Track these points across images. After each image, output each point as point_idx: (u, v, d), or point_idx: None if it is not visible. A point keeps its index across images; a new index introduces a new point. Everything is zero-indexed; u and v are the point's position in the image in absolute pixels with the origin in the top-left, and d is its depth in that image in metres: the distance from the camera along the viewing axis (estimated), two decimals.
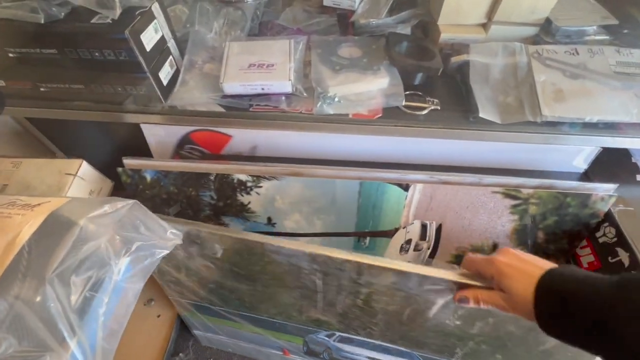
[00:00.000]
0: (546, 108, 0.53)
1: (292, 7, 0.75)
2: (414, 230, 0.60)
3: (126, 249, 0.47)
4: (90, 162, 0.60)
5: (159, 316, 0.83)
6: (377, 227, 0.60)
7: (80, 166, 0.57)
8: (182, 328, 0.86)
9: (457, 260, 0.64)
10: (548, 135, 0.55)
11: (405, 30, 0.66)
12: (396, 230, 0.61)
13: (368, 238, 0.63)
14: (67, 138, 0.74)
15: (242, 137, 0.60)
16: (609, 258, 0.55)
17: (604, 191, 0.53)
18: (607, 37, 0.62)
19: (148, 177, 0.56)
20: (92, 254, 0.42)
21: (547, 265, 0.34)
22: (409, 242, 0.62)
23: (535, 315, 0.32)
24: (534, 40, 0.63)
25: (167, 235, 0.48)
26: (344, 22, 0.71)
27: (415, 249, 0.63)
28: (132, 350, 0.77)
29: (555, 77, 0.56)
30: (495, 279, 0.36)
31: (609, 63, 0.56)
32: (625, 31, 0.65)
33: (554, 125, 0.54)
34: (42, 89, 0.56)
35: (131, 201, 0.44)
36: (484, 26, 0.64)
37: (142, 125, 0.59)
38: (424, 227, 0.60)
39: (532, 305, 0.32)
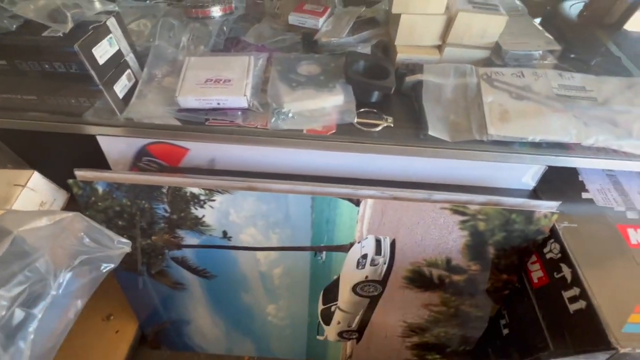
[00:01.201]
0: (492, 127, 0.55)
1: (260, 24, 0.77)
2: (369, 245, 0.61)
3: (68, 263, 0.46)
4: (51, 173, 0.59)
5: (117, 332, 0.81)
6: (332, 242, 0.61)
7: (30, 177, 0.57)
8: (141, 344, 0.84)
9: (414, 275, 0.65)
10: (495, 154, 0.56)
11: (366, 49, 0.69)
12: (352, 245, 0.61)
13: (325, 253, 0.63)
14: (28, 149, 0.73)
15: (199, 150, 0.60)
16: (555, 273, 0.56)
17: (547, 208, 0.54)
18: (554, 62, 0.65)
19: (100, 189, 0.56)
20: (26, 267, 0.41)
21: None
22: (365, 256, 0.62)
23: None
24: (486, 62, 0.66)
25: (114, 245, 0.48)
26: (308, 40, 0.73)
27: (371, 264, 0.64)
28: None
29: (502, 98, 0.58)
30: None
31: (551, 86, 0.58)
32: (572, 56, 0.69)
33: (500, 144, 0.56)
34: None
35: (72, 213, 0.44)
36: (439, 48, 0.66)
37: (98, 137, 0.59)
38: (378, 242, 0.60)
39: None
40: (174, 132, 0.57)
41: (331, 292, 0.70)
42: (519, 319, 0.66)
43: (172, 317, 0.78)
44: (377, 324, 0.76)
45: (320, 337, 0.81)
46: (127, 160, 0.63)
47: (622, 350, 0.45)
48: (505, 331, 0.71)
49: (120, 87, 0.56)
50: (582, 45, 0.67)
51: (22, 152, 0.69)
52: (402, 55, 0.65)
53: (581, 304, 0.51)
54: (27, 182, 0.56)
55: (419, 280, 0.65)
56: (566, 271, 0.54)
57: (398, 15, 0.63)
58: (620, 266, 0.52)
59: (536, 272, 0.61)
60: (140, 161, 0.63)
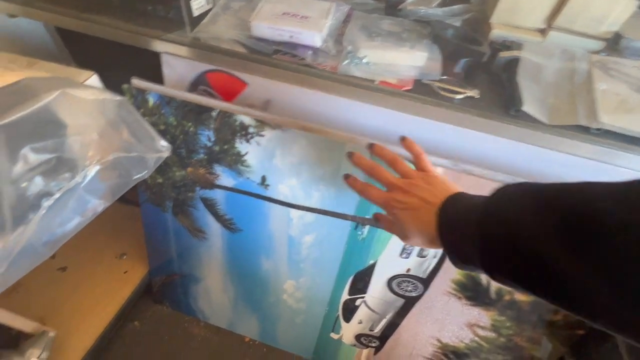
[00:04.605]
0: (604, 115, 0.45)
1: None
2: None
3: (101, 156, 0.42)
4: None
5: (125, 272, 0.76)
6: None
7: (89, 78, 0.55)
8: (147, 293, 0.79)
9: (467, 281, 0.54)
10: (602, 149, 0.46)
11: (455, 23, 0.62)
12: None
13: (368, 228, 0.54)
14: (88, 56, 0.73)
15: (258, 87, 0.56)
16: None
17: None
18: None
19: (151, 101, 0.53)
20: (59, 136, 0.38)
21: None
22: None
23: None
24: None
25: (155, 145, 0.43)
26: (392, 10, 0.68)
27: (419, 254, 0.54)
28: (84, 299, 0.70)
29: (619, 88, 0.48)
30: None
31: None
32: None
33: (610, 138, 0.46)
34: None
35: (119, 96, 0.40)
36: (542, 32, 0.58)
37: (161, 55, 0.57)
38: None
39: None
40: (238, 60, 0.54)
41: (361, 281, 0.61)
42: None
43: (183, 270, 0.73)
44: (405, 336, 0.65)
45: (334, 336, 0.70)
46: (184, 86, 0.60)
47: None
48: None
49: (198, 4, 0.54)
50: None
51: (80, 58, 0.69)
52: (497, 32, 0.58)
53: None
54: (84, 81, 0.55)
55: (472, 288, 0.54)
56: None
57: None
58: None
59: None
60: (196, 89, 0.60)
